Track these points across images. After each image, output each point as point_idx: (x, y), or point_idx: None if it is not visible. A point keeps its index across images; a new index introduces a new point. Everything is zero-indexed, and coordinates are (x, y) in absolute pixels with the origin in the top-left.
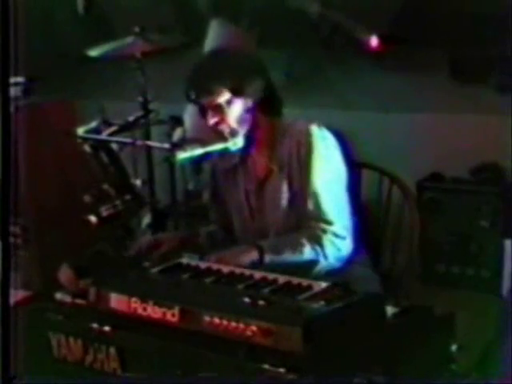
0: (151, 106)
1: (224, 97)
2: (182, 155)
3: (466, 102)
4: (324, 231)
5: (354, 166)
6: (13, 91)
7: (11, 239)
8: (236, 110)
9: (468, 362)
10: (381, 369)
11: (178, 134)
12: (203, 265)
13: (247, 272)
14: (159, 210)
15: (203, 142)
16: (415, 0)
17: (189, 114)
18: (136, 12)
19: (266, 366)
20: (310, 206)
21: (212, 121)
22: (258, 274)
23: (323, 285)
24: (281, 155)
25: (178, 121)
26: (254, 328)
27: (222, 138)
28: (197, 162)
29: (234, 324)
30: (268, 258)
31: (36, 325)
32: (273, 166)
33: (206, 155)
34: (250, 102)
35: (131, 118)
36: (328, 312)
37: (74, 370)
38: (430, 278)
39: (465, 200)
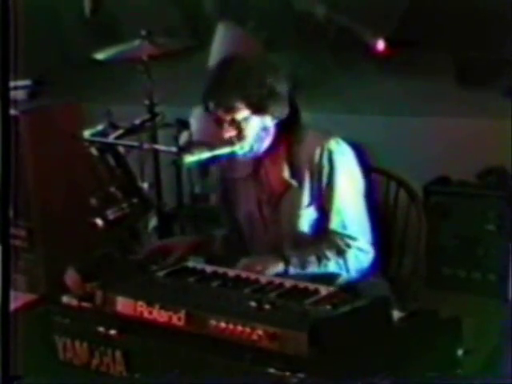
0: (158, 110)
1: (243, 113)
2: (189, 159)
3: (473, 105)
4: (348, 246)
5: (371, 173)
6: (19, 94)
7: (17, 242)
8: (254, 127)
9: (474, 366)
10: (387, 373)
11: (184, 137)
12: (209, 268)
13: (253, 276)
14: (166, 213)
15: (210, 146)
16: (422, 3)
17: (195, 117)
18: (143, 15)
19: (272, 370)
20: (335, 224)
21: (227, 135)
22: (264, 278)
23: (330, 289)
24: (299, 169)
25: (184, 124)
26: (259, 332)
27: (229, 142)
28: (203, 165)
29: (240, 328)
30: (293, 270)
31: (42, 328)
32: (291, 180)
33: (213, 159)
34: (269, 121)
35: (138, 121)
36: (334, 316)
37: (79, 373)
38: (436, 281)
39: (471, 204)
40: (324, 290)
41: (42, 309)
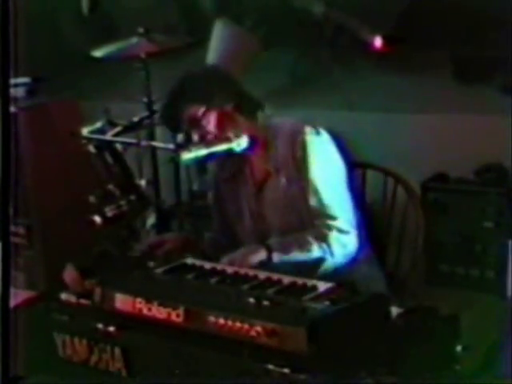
0: (156, 107)
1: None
2: (187, 156)
3: (471, 102)
4: (329, 227)
5: (353, 164)
6: (18, 91)
7: (16, 239)
8: (211, 119)
9: (472, 363)
10: (385, 369)
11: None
12: (208, 265)
13: (252, 272)
14: (164, 211)
15: (208, 143)
16: (419, 1)
17: None
18: (140, 12)
19: (271, 367)
20: (313, 202)
21: (196, 136)
22: (262, 275)
23: (328, 285)
24: (275, 156)
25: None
26: (258, 328)
27: (226, 138)
28: (201, 162)
29: (238, 324)
30: (276, 256)
31: (41, 325)
32: (269, 168)
33: (211, 156)
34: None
35: (136, 119)
36: (333, 312)
37: (79, 370)
38: (435, 278)
39: (469, 200)
40: (322, 286)
41: (41, 306)
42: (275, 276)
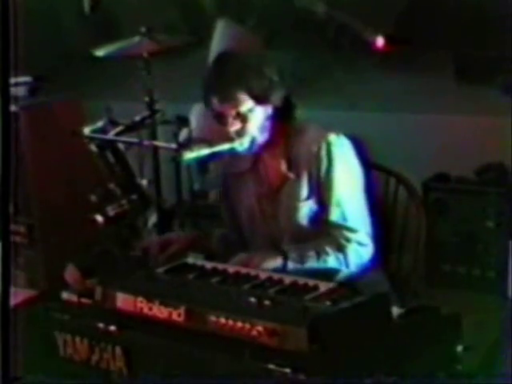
0: (157, 106)
1: (247, 105)
2: (189, 155)
3: (472, 102)
4: (347, 239)
5: (370, 167)
6: (19, 90)
7: (17, 238)
8: (258, 118)
9: (473, 363)
10: (386, 369)
11: (184, 134)
12: (209, 265)
13: (253, 272)
14: (165, 210)
15: (210, 143)
16: (421, 1)
17: (195, 114)
18: (142, 12)
19: (272, 367)
20: (334, 215)
21: (233, 128)
22: (263, 274)
23: (330, 285)
24: (297, 162)
25: (184, 121)
26: (259, 328)
27: (228, 138)
28: (203, 162)
29: (239, 324)
30: (292, 265)
31: (42, 324)
32: (289, 172)
33: (213, 155)
34: (270, 110)
35: (138, 118)
36: (334, 312)
37: (79, 369)
38: (436, 278)
39: (470, 200)
40: (324, 286)
41: (42, 305)
42: (276, 276)
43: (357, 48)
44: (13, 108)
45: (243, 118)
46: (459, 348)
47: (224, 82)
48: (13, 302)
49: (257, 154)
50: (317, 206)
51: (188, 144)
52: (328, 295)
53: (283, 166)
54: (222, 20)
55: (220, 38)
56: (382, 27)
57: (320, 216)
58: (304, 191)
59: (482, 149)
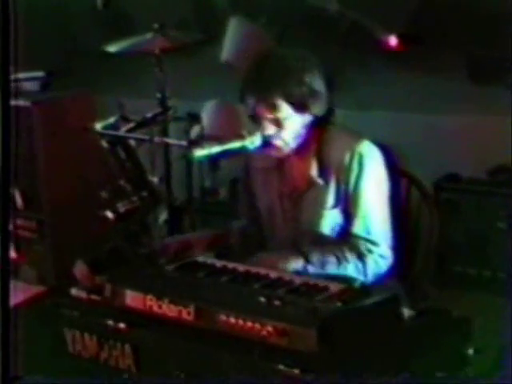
0: (169, 103)
1: (285, 112)
2: (200, 153)
3: (484, 102)
4: (369, 251)
5: (399, 175)
6: (32, 85)
7: (27, 234)
8: (295, 125)
9: (484, 365)
10: (396, 371)
11: (195, 131)
12: (219, 263)
13: (263, 271)
14: (176, 207)
15: (221, 140)
16: (433, 0)
17: (207, 111)
18: (155, 8)
19: (281, 367)
20: (358, 227)
21: (267, 132)
22: (273, 274)
23: (340, 286)
24: (327, 169)
25: (195, 118)
26: (269, 328)
27: (239, 136)
28: (214, 159)
29: (249, 324)
30: (312, 269)
31: (51, 320)
32: (317, 178)
33: (224, 153)
34: (308, 118)
35: (149, 115)
36: (344, 313)
37: (88, 366)
38: (447, 279)
39: (482, 201)
40: (334, 287)
41: (51, 301)
42: (287, 276)
43: (369, 47)
44: (25, 103)
45: (279, 124)
46: (470, 350)
47: (263, 84)
48: (22, 296)
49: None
50: (341, 214)
51: (199, 141)
52: (338, 296)
53: (312, 171)
54: (234, 17)
55: (232, 35)
56: (395, 26)
57: (343, 225)
58: (331, 199)
59: (494, 150)
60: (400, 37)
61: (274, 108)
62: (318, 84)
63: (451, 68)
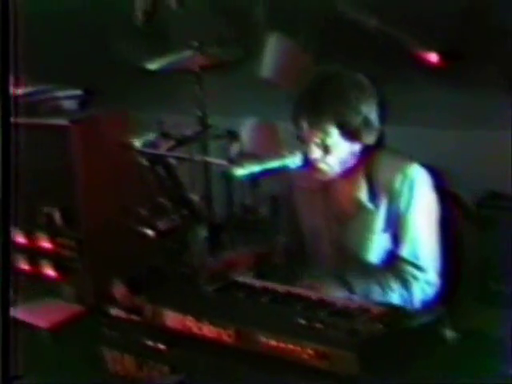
0: (209, 121)
1: (335, 138)
2: (240, 172)
3: None
4: (416, 278)
5: (446, 198)
6: (69, 104)
7: (66, 252)
8: (342, 152)
9: None
10: None
11: (234, 148)
12: (258, 283)
13: (304, 293)
14: (215, 224)
15: (261, 158)
16: (475, 16)
17: (246, 128)
18: (193, 25)
19: None
20: (406, 252)
21: (313, 156)
22: (314, 295)
23: (381, 308)
24: (377, 192)
25: (234, 135)
26: (309, 351)
27: (279, 154)
28: (254, 176)
29: (289, 346)
30: (356, 297)
31: (90, 339)
32: (367, 202)
33: (264, 172)
34: (358, 145)
35: (189, 133)
36: (385, 336)
37: None
38: (486, 298)
39: None
40: (376, 309)
41: (91, 320)
42: (328, 298)
43: (408, 62)
44: (63, 121)
45: (326, 149)
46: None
47: (317, 108)
48: (61, 316)
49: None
50: (388, 239)
51: (239, 160)
52: (380, 318)
53: (362, 194)
54: (273, 35)
55: (271, 52)
56: (435, 42)
57: (390, 249)
58: (379, 223)
59: None
60: (440, 53)
61: (324, 133)
62: (373, 113)
63: (492, 84)
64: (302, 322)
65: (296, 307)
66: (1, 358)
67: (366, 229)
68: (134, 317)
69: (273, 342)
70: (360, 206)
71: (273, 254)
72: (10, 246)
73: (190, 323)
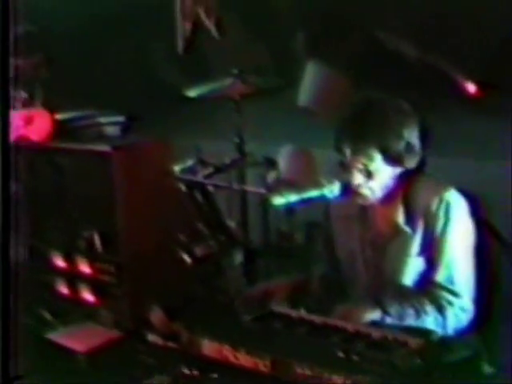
0: (247, 148)
1: (377, 164)
2: (278, 201)
3: None
4: (450, 303)
5: (482, 226)
6: (112, 130)
7: (105, 277)
8: (384, 176)
9: None
10: None
11: (272, 176)
12: (295, 314)
13: (340, 324)
14: (251, 250)
15: (299, 187)
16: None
17: (283, 156)
18: (233, 53)
19: None
20: (441, 277)
21: (355, 181)
22: (351, 327)
23: (419, 341)
24: (414, 216)
25: (272, 163)
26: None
27: (318, 183)
28: (292, 205)
29: (326, 378)
30: (390, 320)
31: (126, 364)
32: (404, 226)
33: (302, 201)
34: (400, 170)
35: (227, 160)
36: (423, 371)
37: None
38: None
39: None
40: (414, 343)
41: (128, 346)
42: (365, 328)
43: (448, 93)
44: (105, 148)
45: (369, 174)
46: None
47: (361, 134)
48: (99, 341)
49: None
50: (424, 263)
51: (277, 188)
52: (418, 352)
53: (399, 218)
54: (312, 62)
55: (310, 80)
56: (474, 72)
57: (425, 273)
58: (416, 247)
59: None
60: (479, 83)
61: (367, 159)
62: (415, 138)
63: None
64: (340, 354)
65: (333, 339)
66: (1, 358)
67: (402, 252)
68: (170, 343)
69: (309, 373)
70: (397, 229)
71: (309, 282)
72: (9, 246)
73: (227, 352)
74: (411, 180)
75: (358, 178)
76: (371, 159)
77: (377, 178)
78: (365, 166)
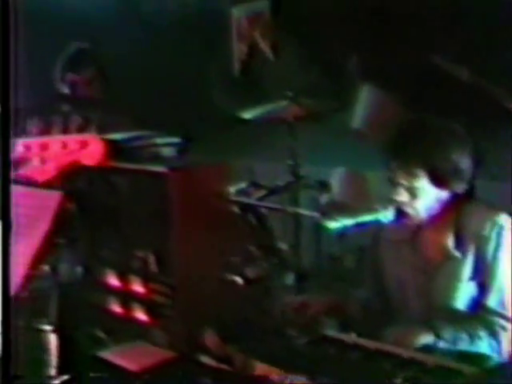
0: (301, 171)
1: (422, 183)
2: (333, 225)
3: None
4: (504, 328)
5: None
6: (168, 151)
7: (160, 299)
8: (429, 197)
9: None
10: None
11: (324, 199)
12: (349, 338)
13: (394, 350)
14: (302, 272)
15: (353, 212)
16: None
17: (336, 178)
18: (288, 76)
19: None
20: (493, 301)
21: (399, 198)
22: (406, 353)
23: (474, 369)
24: (465, 241)
25: (325, 185)
26: None
27: (372, 209)
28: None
29: None
30: (443, 344)
31: None
32: (454, 250)
33: (356, 225)
34: (446, 194)
35: (281, 183)
36: None
37: None
38: None
39: None
40: (468, 371)
41: (181, 367)
42: (419, 356)
43: (499, 116)
44: (161, 169)
45: (413, 193)
46: None
47: (407, 150)
48: (152, 361)
49: (418, 224)
50: (475, 287)
51: (331, 212)
52: (473, 381)
53: (449, 243)
54: (365, 86)
55: (364, 103)
56: None
57: (477, 298)
58: (467, 272)
59: None
60: None
61: (412, 176)
62: (464, 163)
63: None
64: (394, 381)
65: (387, 365)
66: (1, 358)
67: (452, 277)
68: (224, 366)
69: None
70: (447, 254)
71: (347, 304)
72: (9, 246)
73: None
74: (461, 204)
75: (402, 196)
76: (416, 177)
77: (421, 197)
78: (410, 183)
